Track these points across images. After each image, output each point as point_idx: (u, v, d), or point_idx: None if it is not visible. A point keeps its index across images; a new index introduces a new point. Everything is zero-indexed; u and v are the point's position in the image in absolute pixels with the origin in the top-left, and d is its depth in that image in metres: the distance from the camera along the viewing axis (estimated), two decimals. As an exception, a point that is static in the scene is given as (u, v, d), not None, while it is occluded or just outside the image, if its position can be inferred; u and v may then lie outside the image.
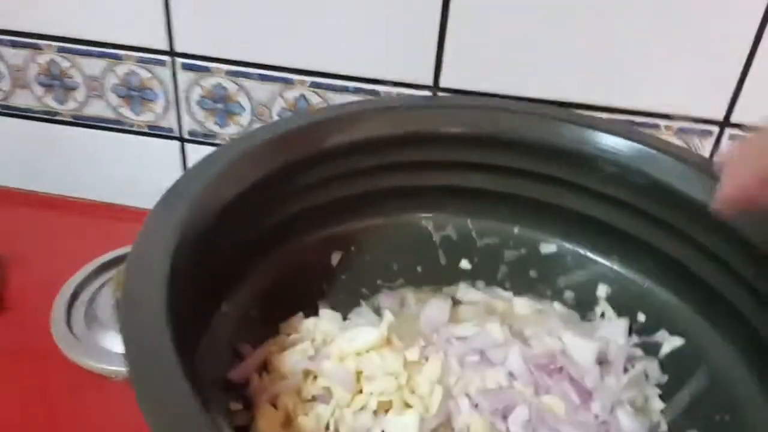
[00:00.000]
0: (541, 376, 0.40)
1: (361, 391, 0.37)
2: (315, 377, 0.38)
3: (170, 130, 0.65)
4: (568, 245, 0.48)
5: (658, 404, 0.41)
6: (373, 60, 0.58)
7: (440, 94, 0.59)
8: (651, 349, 0.44)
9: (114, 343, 0.49)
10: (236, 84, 0.62)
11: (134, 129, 0.66)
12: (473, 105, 0.47)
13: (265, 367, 0.40)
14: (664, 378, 0.43)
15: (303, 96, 0.61)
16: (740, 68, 0.54)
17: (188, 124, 0.65)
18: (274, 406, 0.37)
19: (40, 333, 0.49)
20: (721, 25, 0.52)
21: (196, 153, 0.66)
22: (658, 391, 0.42)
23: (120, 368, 0.48)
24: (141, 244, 0.32)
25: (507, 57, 0.56)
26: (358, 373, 0.38)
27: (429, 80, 0.59)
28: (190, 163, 0.67)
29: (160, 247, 0.31)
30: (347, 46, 0.58)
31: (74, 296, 0.52)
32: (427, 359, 0.39)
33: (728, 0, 0.51)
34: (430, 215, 0.49)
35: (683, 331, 0.43)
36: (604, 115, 0.57)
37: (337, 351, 0.38)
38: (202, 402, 0.24)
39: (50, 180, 0.70)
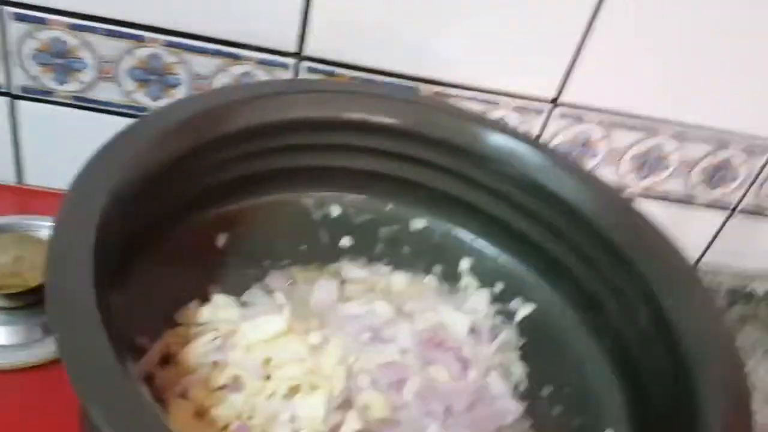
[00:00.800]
0: (426, 349, 0.45)
1: (268, 377, 0.39)
2: (223, 367, 0.39)
3: (-3, 84, 0.59)
4: (435, 221, 0.52)
5: (518, 367, 0.48)
6: (236, 23, 0.57)
7: (303, 63, 0.60)
8: (509, 316, 0.50)
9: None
10: (79, 38, 0.57)
11: (-48, 82, 0.58)
12: (352, 90, 0.48)
13: (166, 359, 0.40)
14: (521, 341, 0.50)
15: (156, 55, 0.58)
16: (571, 54, 0.61)
17: (20, 80, 0.59)
18: (184, 397, 0.38)
19: None
20: (556, 10, 0.58)
21: (30, 111, 0.60)
22: (518, 353, 0.49)
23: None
24: (65, 214, 0.31)
25: (368, 30, 0.58)
26: (266, 360, 0.40)
27: (293, 48, 0.59)
28: (22, 123, 0.61)
29: (84, 218, 0.31)
30: (208, 5, 0.55)
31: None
32: (327, 341, 0.42)
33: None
34: (310, 194, 0.50)
35: (533, 298, 0.50)
36: (454, 92, 0.62)
37: (244, 341, 0.40)
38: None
39: None
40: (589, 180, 0.46)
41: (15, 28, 0.56)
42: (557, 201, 0.47)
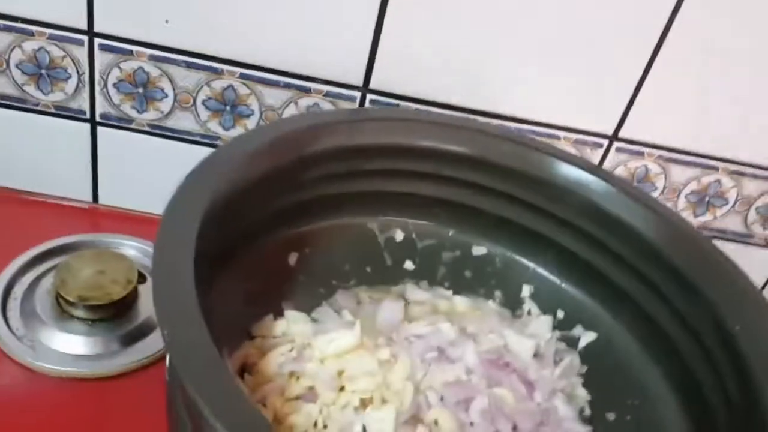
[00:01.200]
0: (491, 370, 0.45)
1: (342, 389, 0.41)
2: (298, 378, 0.41)
3: (81, 112, 0.62)
4: (497, 248, 0.53)
5: (582, 392, 0.48)
6: (306, 57, 0.60)
7: (369, 95, 0.62)
8: (571, 343, 0.51)
9: (52, 339, 0.48)
10: (160, 69, 0.60)
11: (40, 109, 0.62)
12: (422, 119, 0.50)
13: (244, 369, 0.41)
14: (584, 368, 0.50)
15: (231, 86, 0.61)
16: (631, 91, 0.62)
17: (102, 107, 0.62)
18: (262, 404, 0.39)
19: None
20: (616, 50, 0.60)
21: (109, 137, 0.64)
22: (580, 380, 0.49)
23: (59, 367, 0.47)
24: (166, 230, 0.33)
25: (432, 67, 0.60)
26: (339, 373, 0.41)
27: (359, 81, 0.61)
28: (101, 148, 0.64)
29: (183, 233, 0.33)
30: (281, 41, 0.58)
31: (8, 290, 0.49)
32: (395, 358, 0.43)
33: (624, 29, 0.58)
34: (377, 218, 0.52)
35: (595, 325, 0.50)
36: (514, 125, 0.64)
37: (318, 353, 0.41)
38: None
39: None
40: (655, 207, 0.47)
41: (102, 59, 0.59)
42: (622, 228, 0.47)
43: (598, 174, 0.48)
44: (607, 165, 0.66)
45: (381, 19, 0.57)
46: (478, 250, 0.53)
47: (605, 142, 0.65)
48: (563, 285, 0.52)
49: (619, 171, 0.67)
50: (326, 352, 0.40)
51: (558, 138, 0.65)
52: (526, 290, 0.52)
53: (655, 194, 0.69)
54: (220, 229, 0.40)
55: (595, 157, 0.66)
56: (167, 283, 0.30)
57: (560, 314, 0.52)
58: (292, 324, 0.43)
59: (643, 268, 0.47)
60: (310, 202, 0.49)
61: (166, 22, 0.57)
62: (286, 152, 0.44)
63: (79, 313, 0.48)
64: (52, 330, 0.47)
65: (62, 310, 0.48)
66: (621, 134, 0.65)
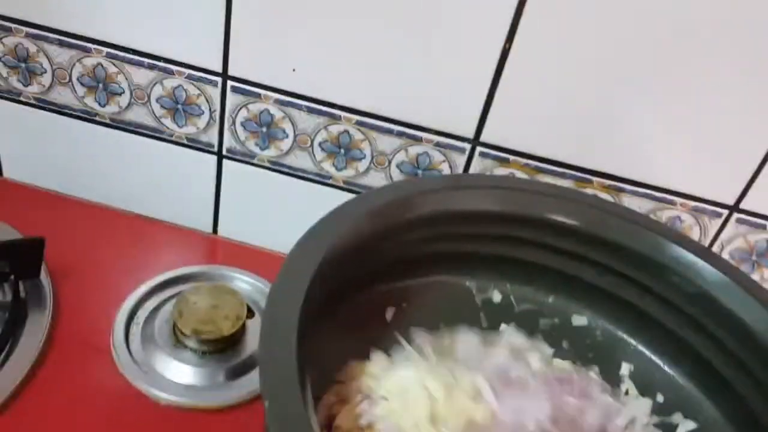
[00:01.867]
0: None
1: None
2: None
3: (210, 145, 0.67)
4: (598, 320, 0.52)
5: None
6: (419, 107, 0.61)
7: (479, 148, 0.63)
8: (667, 430, 0.49)
9: (167, 368, 0.52)
10: (283, 112, 0.64)
11: (174, 139, 0.67)
12: (532, 189, 0.50)
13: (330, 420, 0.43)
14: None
15: (347, 131, 0.64)
16: (757, 162, 0.59)
17: (228, 142, 0.66)
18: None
19: (100, 350, 0.51)
20: (744, 116, 0.57)
21: (232, 170, 0.68)
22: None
23: (169, 395, 0.50)
24: (278, 292, 0.36)
25: (545, 122, 0.60)
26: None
27: (470, 134, 0.62)
28: (224, 179, 0.69)
29: (293, 297, 0.35)
30: (397, 91, 0.60)
31: (131, 315, 0.54)
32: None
33: (747, 96, 0.56)
34: (474, 278, 0.53)
35: (695, 414, 0.48)
36: (628, 187, 0.62)
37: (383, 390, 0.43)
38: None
39: (86, 184, 0.70)
40: (765, 299, 0.44)
41: (233, 99, 0.64)
42: (730, 318, 0.46)
43: (710, 259, 0.46)
44: (724, 236, 0.64)
45: (499, 72, 0.57)
46: (578, 320, 0.53)
47: (725, 212, 0.62)
48: (665, 368, 0.50)
49: (738, 243, 0.64)
50: (387, 386, 0.42)
51: (674, 204, 0.62)
52: (626, 368, 0.51)
53: (777, 270, 0.65)
54: (329, 282, 0.42)
55: (713, 227, 0.63)
56: (272, 353, 0.32)
57: (660, 398, 0.50)
58: (372, 365, 0.45)
59: (750, 363, 0.45)
60: (411, 261, 0.50)
61: (293, 70, 0.61)
62: (395, 214, 0.45)
63: (192, 344, 0.52)
64: (167, 358, 0.51)
65: (177, 339, 0.52)
66: (743, 205, 0.62)
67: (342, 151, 0.65)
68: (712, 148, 0.59)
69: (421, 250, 0.50)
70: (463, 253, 0.51)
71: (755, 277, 0.66)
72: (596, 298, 0.51)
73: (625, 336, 0.51)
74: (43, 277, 0.55)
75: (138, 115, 0.66)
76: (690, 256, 0.46)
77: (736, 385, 0.47)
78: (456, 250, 0.51)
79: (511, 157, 0.62)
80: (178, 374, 0.51)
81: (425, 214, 0.46)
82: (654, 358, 0.50)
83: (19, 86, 0.66)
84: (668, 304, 0.48)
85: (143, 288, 0.56)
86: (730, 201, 0.62)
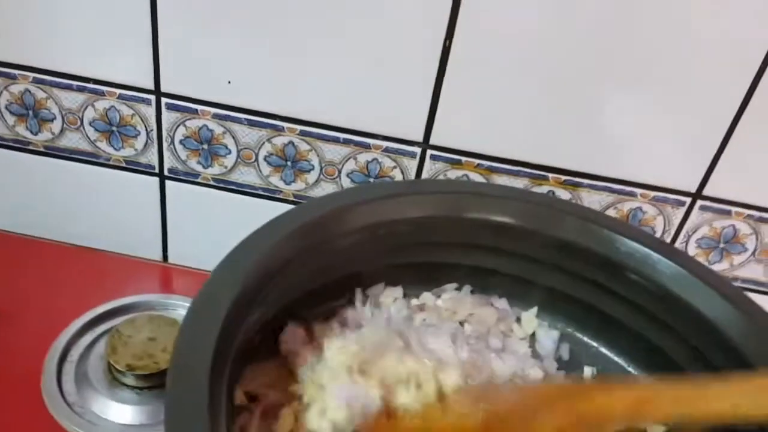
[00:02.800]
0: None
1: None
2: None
3: (150, 166, 0.64)
4: (556, 324, 0.50)
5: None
6: (365, 113, 0.59)
7: (430, 151, 0.60)
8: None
9: (104, 408, 0.49)
10: (223, 127, 0.61)
11: (112, 163, 0.64)
12: (473, 191, 0.48)
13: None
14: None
15: (292, 143, 0.61)
16: (716, 147, 0.57)
17: (169, 162, 0.64)
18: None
19: (30, 395, 0.48)
20: (702, 105, 0.55)
21: (177, 191, 0.65)
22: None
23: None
24: (188, 328, 0.32)
25: (497, 120, 0.57)
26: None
27: (420, 137, 0.59)
28: (169, 201, 0.66)
29: (205, 334, 0.32)
30: (340, 98, 0.58)
31: (65, 353, 0.51)
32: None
33: (709, 84, 0.54)
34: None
35: None
36: (585, 182, 0.60)
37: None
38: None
39: (24, 218, 0.67)
40: (727, 292, 0.42)
41: (168, 117, 0.61)
42: (691, 313, 0.43)
43: (665, 252, 0.44)
44: (690, 225, 0.61)
45: (442, 70, 0.55)
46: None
47: (688, 200, 0.60)
48: (630, 368, 0.48)
49: (704, 231, 0.62)
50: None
51: (635, 195, 0.60)
52: (588, 372, 0.49)
53: (745, 256, 0.63)
54: (260, 306, 0.40)
55: (676, 216, 0.61)
56: (179, 399, 0.29)
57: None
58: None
59: (714, 358, 0.43)
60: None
61: (228, 82, 0.58)
62: (323, 230, 0.43)
63: (129, 381, 0.49)
64: (103, 397, 0.48)
65: (113, 377, 0.49)
66: (705, 192, 0.59)
67: (289, 163, 0.62)
68: (669, 136, 0.57)
69: (362, 265, 0.47)
70: (400, 265, 0.48)
71: (724, 264, 0.63)
72: (551, 300, 0.48)
73: (585, 338, 0.48)
74: (-30, 318, 0.52)
75: (72, 140, 0.63)
76: (644, 250, 0.44)
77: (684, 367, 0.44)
78: (392, 262, 0.48)
79: (464, 158, 0.60)
80: (116, 414, 0.48)
81: (358, 226, 0.43)
82: (617, 359, 0.48)
83: (-56, 119, 0.63)
84: (627, 302, 0.46)
85: (77, 324, 0.52)
86: (692, 188, 0.60)
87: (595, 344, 0.49)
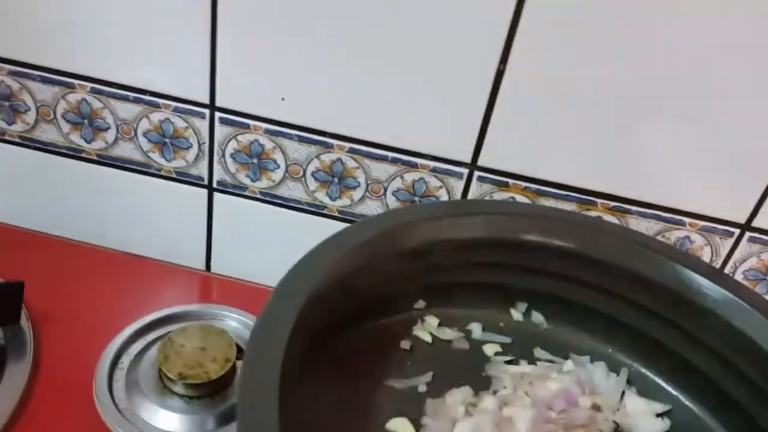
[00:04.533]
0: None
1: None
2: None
3: (200, 178, 0.65)
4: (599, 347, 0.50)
5: None
6: (414, 132, 0.59)
7: (477, 173, 0.60)
8: None
9: (153, 415, 0.49)
10: (274, 142, 0.62)
11: (162, 174, 0.65)
12: (524, 213, 0.48)
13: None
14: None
15: (340, 159, 0.61)
16: (766, 180, 0.57)
17: (218, 174, 0.64)
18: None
19: (82, 398, 0.49)
20: (752, 139, 0.55)
21: (224, 203, 0.66)
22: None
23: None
24: (257, 339, 0.33)
25: (546, 143, 0.58)
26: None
27: (468, 158, 0.60)
28: (216, 213, 0.67)
29: (272, 347, 0.32)
30: (390, 117, 0.58)
31: (115, 360, 0.51)
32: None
33: (756, 112, 0.54)
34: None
35: None
36: (634, 209, 0.60)
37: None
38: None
39: (74, 224, 0.68)
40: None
41: (221, 131, 0.62)
42: (737, 337, 0.44)
43: (713, 277, 0.44)
44: (737, 256, 0.61)
45: (494, 94, 0.55)
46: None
47: (736, 231, 0.60)
48: (671, 390, 0.47)
49: (751, 263, 0.61)
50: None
51: (683, 224, 0.60)
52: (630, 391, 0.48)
53: (795, 290, 0.62)
54: (315, 321, 0.40)
55: (724, 247, 0.61)
56: (252, 407, 0.30)
57: (666, 422, 0.47)
58: None
59: (760, 382, 0.42)
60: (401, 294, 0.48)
61: (282, 99, 0.59)
62: (382, 247, 0.43)
63: (179, 389, 0.49)
64: (153, 405, 0.49)
65: (163, 384, 0.50)
66: (755, 223, 0.59)
67: (335, 179, 0.63)
68: (720, 166, 0.57)
69: (412, 282, 0.47)
70: (455, 284, 0.49)
71: (771, 298, 0.63)
72: (593, 320, 0.48)
73: (626, 359, 0.48)
74: (24, 322, 0.53)
75: (125, 150, 0.64)
76: (691, 274, 0.43)
77: (746, 406, 0.44)
78: (446, 280, 0.48)
79: (511, 181, 0.60)
80: (165, 422, 0.48)
81: (414, 246, 0.43)
82: (659, 380, 0.47)
83: (3, 125, 0.64)
84: (671, 324, 0.45)
85: (128, 330, 0.53)
86: (742, 219, 0.59)
87: (635, 365, 0.49)
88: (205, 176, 0.65)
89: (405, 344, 0.48)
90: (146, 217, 0.68)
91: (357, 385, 0.44)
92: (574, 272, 0.47)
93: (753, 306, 0.42)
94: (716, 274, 0.44)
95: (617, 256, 0.46)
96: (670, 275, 0.45)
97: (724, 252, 0.61)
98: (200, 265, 0.69)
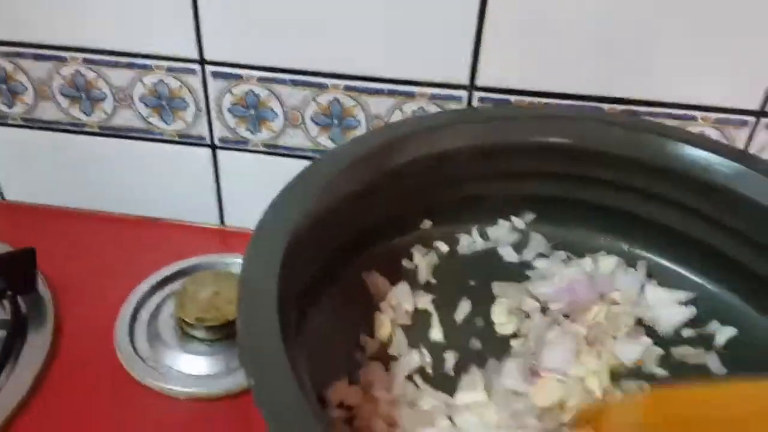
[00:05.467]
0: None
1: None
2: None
3: (201, 138, 0.65)
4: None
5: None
6: (407, 61, 0.58)
7: (477, 93, 0.59)
8: (706, 341, 0.45)
9: (177, 361, 0.49)
10: (268, 90, 0.61)
11: (165, 138, 0.65)
12: (546, 115, 0.47)
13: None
14: (724, 371, 0.44)
15: (337, 99, 0.61)
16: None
17: (219, 132, 0.64)
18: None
19: (105, 351, 0.49)
20: (758, 20, 0.52)
21: (229, 159, 0.66)
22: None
23: (183, 389, 0.48)
24: (250, 265, 0.32)
25: (544, 54, 0.56)
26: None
27: (465, 80, 0.58)
28: (222, 170, 0.66)
29: (267, 268, 0.33)
30: (380, 48, 0.57)
31: (135, 314, 0.52)
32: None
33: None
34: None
35: (734, 321, 0.45)
36: (643, 109, 0.58)
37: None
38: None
39: (85, 195, 0.69)
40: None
41: (214, 85, 0.61)
42: (751, 208, 0.41)
43: (717, 150, 0.42)
44: (755, 146, 0.59)
45: (483, 7, 0.54)
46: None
47: (751, 120, 0.58)
48: (693, 277, 0.46)
49: (773, 150, 0.59)
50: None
51: (695, 119, 0.58)
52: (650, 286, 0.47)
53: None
54: (312, 251, 0.39)
55: (740, 137, 0.58)
56: (251, 324, 0.29)
57: (692, 310, 0.46)
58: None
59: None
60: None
61: (270, 43, 0.58)
62: (380, 162, 0.42)
63: (199, 334, 0.50)
64: (175, 351, 0.49)
65: (183, 332, 0.50)
66: (769, 108, 0.57)
67: (335, 121, 0.62)
68: (728, 54, 0.54)
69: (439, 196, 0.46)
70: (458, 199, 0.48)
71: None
72: (604, 217, 0.47)
73: (644, 253, 0.47)
74: (43, 291, 0.53)
75: (125, 118, 0.65)
76: (697, 152, 0.42)
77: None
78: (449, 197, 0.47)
79: (513, 98, 0.59)
80: (189, 366, 0.49)
81: (410, 160, 0.42)
82: (678, 269, 0.46)
83: (4, 109, 0.65)
84: (686, 209, 0.43)
85: (145, 285, 0.54)
86: (755, 106, 0.57)
87: (652, 257, 0.47)
88: (207, 135, 0.65)
89: (410, 264, 0.48)
90: (156, 182, 0.68)
91: (363, 308, 0.44)
92: (578, 170, 0.45)
93: (766, 174, 0.40)
94: (723, 149, 0.42)
95: (618, 146, 0.44)
96: (675, 156, 0.43)
97: (741, 143, 0.59)
98: (215, 221, 0.69)
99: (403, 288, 0.44)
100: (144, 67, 0.61)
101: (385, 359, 0.42)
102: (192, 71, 0.61)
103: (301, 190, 0.38)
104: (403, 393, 0.39)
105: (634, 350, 0.43)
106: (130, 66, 0.61)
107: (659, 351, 0.44)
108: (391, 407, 0.37)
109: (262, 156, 0.65)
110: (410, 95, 0.60)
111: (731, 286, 0.46)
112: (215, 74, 0.61)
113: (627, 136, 0.44)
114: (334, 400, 0.38)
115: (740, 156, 0.42)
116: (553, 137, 0.44)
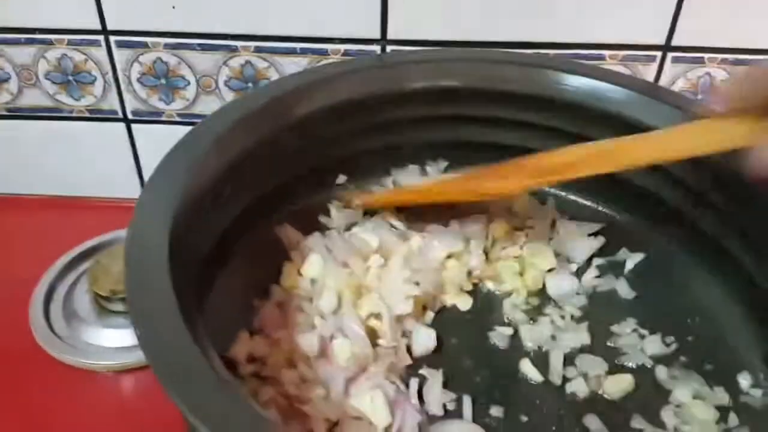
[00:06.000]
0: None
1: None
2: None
3: (113, 112, 0.63)
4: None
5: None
6: (318, 18, 0.57)
7: (389, 47, 0.59)
8: (616, 268, 0.46)
9: (95, 336, 0.48)
10: (177, 57, 0.60)
11: (75, 115, 0.63)
12: (443, 58, 0.47)
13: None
14: (632, 294, 0.45)
15: (249, 62, 0.60)
16: (677, -9, 0.55)
17: (131, 104, 0.63)
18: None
19: (21, 333, 0.48)
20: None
21: (144, 132, 0.64)
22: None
23: (104, 362, 0.47)
24: (138, 223, 0.32)
25: (447, 3, 0.56)
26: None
27: (376, 33, 0.58)
28: (138, 144, 0.65)
29: (156, 225, 0.31)
30: (289, 6, 0.56)
31: (50, 293, 0.51)
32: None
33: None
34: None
35: (643, 247, 0.46)
36: (550, 52, 0.58)
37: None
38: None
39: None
40: (687, 107, 0.40)
41: (121, 56, 0.60)
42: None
43: (610, 80, 0.42)
44: (664, 80, 0.60)
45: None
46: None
47: (658, 54, 0.58)
48: (600, 208, 0.47)
49: (680, 84, 0.60)
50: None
51: (603, 58, 0.58)
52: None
53: (726, 103, 0.61)
54: (216, 210, 0.39)
55: (649, 72, 0.59)
56: (141, 284, 0.29)
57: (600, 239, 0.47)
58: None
59: (687, 179, 0.41)
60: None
61: (173, 7, 0.57)
62: (268, 121, 0.41)
63: (115, 306, 0.49)
64: (93, 326, 0.48)
65: (101, 306, 0.49)
66: (674, 42, 0.58)
67: (250, 84, 0.61)
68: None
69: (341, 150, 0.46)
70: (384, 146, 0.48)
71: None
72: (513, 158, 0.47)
73: (555, 190, 0.48)
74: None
75: (32, 98, 0.63)
76: (583, 80, 0.42)
77: (679, 206, 0.43)
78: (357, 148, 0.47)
79: (425, 49, 0.58)
80: (107, 339, 0.48)
81: (309, 112, 0.42)
82: (584, 201, 0.46)
83: None
84: (582, 139, 0.44)
85: (58, 265, 0.52)
86: (660, 40, 0.58)
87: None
88: (119, 108, 0.63)
89: (328, 219, 0.47)
90: (73, 161, 0.66)
91: (275, 262, 0.43)
92: (479, 111, 0.46)
93: (659, 99, 0.41)
94: (612, 75, 0.43)
95: (505, 83, 0.44)
96: (563, 88, 0.43)
97: (650, 78, 0.60)
98: (136, 194, 0.68)
99: (316, 238, 0.44)
100: (44, 42, 0.59)
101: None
102: (96, 42, 0.59)
103: (192, 146, 0.37)
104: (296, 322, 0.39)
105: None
106: (30, 42, 0.59)
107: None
108: (292, 347, 0.37)
109: (178, 126, 0.64)
110: (324, 53, 0.59)
111: (638, 213, 0.46)
112: (119, 44, 0.59)
113: (522, 72, 0.44)
114: (242, 354, 0.38)
115: (630, 82, 0.43)
116: (448, 80, 0.44)
